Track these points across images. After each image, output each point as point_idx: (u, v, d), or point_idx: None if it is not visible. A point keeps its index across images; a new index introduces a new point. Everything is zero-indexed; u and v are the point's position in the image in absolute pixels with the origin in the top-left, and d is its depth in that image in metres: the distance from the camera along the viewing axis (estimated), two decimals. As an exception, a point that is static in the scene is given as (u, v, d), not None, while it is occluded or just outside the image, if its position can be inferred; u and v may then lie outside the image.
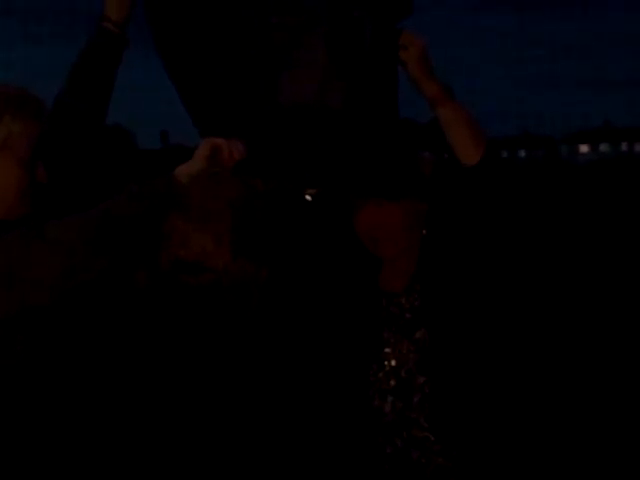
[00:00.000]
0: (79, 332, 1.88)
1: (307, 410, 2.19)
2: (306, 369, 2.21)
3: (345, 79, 2.11)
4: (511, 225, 2.29)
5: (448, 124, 2.19)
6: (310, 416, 2.20)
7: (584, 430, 4.42)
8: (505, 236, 2.27)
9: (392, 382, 2.20)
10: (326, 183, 2.20)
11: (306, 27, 2.10)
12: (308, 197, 2.23)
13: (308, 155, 2.16)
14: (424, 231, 2.25)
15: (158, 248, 1.88)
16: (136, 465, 1.77)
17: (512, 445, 2.22)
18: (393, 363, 2.20)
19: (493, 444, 2.18)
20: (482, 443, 2.17)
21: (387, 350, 2.21)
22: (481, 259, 2.22)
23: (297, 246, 2.24)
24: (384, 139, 2.22)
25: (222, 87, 2.18)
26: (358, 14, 2.12)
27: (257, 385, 1.88)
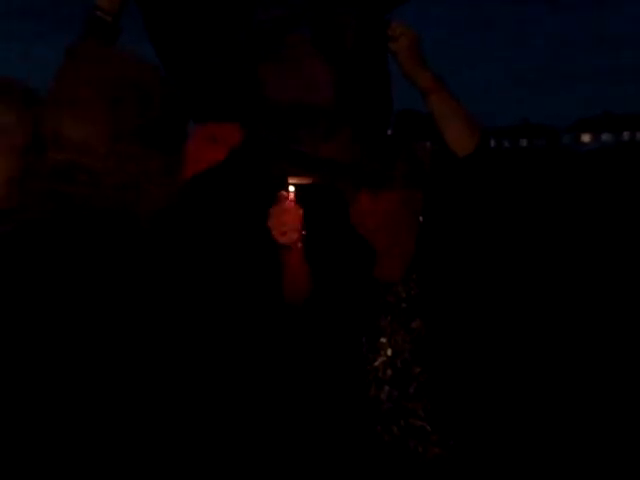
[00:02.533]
0: None
1: (303, 399, 2.20)
2: (302, 358, 2.22)
3: (332, 73, 2.11)
4: (510, 214, 2.28)
5: (440, 114, 2.18)
6: (306, 405, 2.20)
7: (581, 420, 4.43)
8: (503, 225, 2.26)
9: (388, 371, 2.20)
10: (314, 173, 2.20)
11: (292, 22, 2.11)
12: (291, 187, 2.22)
13: (297, 148, 2.16)
14: (421, 219, 2.25)
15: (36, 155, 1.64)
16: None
17: (509, 436, 2.22)
18: (389, 353, 2.21)
19: (490, 435, 2.19)
20: (479, 433, 2.17)
21: (383, 340, 2.22)
22: (479, 248, 2.22)
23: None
24: (377, 129, 2.22)
25: (211, 79, 2.19)
26: (341, 9, 2.12)
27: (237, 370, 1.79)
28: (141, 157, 1.62)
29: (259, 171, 2.22)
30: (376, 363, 2.21)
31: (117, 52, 1.70)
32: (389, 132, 2.36)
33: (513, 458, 2.23)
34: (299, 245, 2.22)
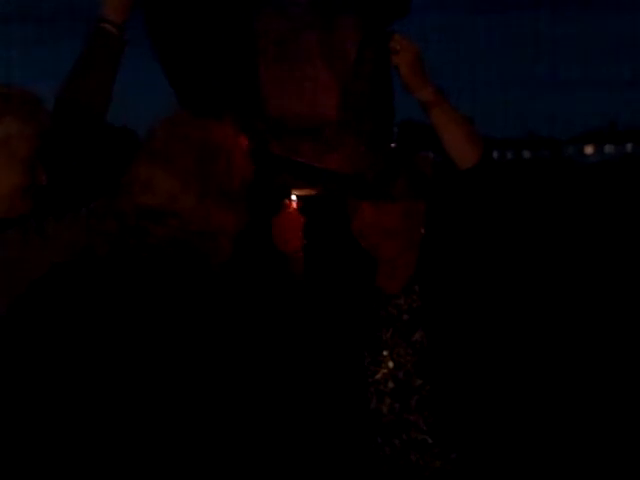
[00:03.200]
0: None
1: (304, 411, 2.19)
2: (304, 370, 2.21)
3: (336, 85, 2.12)
4: (512, 226, 2.28)
5: (442, 127, 2.18)
6: (307, 417, 2.20)
7: (584, 433, 4.42)
8: (506, 237, 2.26)
9: (390, 384, 2.19)
10: (317, 185, 2.21)
11: (294, 34, 2.11)
12: (294, 197, 2.23)
13: (299, 160, 2.17)
14: (423, 231, 2.25)
15: (121, 196, 1.81)
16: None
17: (511, 448, 2.21)
18: (391, 365, 2.20)
19: (492, 447, 2.18)
20: (481, 446, 2.16)
21: (384, 352, 2.21)
22: (481, 260, 2.21)
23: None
24: (380, 141, 2.22)
25: (214, 90, 2.19)
26: (343, 22, 2.13)
27: (249, 379, 1.82)
28: (223, 213, 1.80)
29: (262, 181, 2.22)
30: (378, 376, 2.21)
31: (211, 119, 1.88)
32: (393, 145, 2.36)
33: (515, 470, 2.22)
34: (300, 254, 2.23)
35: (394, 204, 2.19)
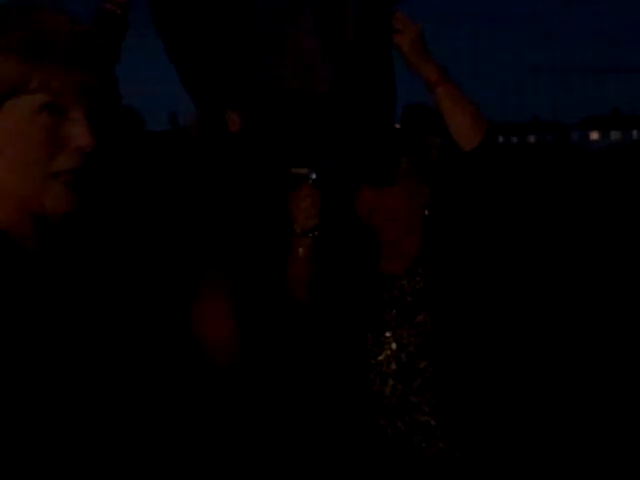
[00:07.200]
0: None
1: (307, 393, 2.20)
2: (307, 351, 2.22)
3: (332, 64, 2.10)
4: (516, 209, 2.28)
5: (445, 106, 2.17)
6: (310, 399, 2.20)
7: (584, 416, 4.43)
8: (510, 220, 2.26)
9: (393, 366, 2.20)
10: (318, 164, 2.19)
11: (292, 12, 2.10)
12: (309, 172, 2.20)
13: (299, 137, 2.15)
14: (426, 212, 2.25)
15: None
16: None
17: (513, 431, 2.22)
18: (394, 347, 2.20)
19: (494, 430, 2.18)
20: (484, 429, 2.17)
21: (387, 334, 2.21)
22: (484, 243, 2.21)
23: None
24: (381, 122, 2.20)
25: (213, 69, 2.19)
26: (342, 2, 2.11)
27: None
28: None
29: (263, 161, 2.21)
30: (380, 357, 2.21)
31: None
32: (397, 126, 2.35)
33: (517, 453, 2.23)
34: (316, 233, 2.21)
35: (398, 187, 2.20)
